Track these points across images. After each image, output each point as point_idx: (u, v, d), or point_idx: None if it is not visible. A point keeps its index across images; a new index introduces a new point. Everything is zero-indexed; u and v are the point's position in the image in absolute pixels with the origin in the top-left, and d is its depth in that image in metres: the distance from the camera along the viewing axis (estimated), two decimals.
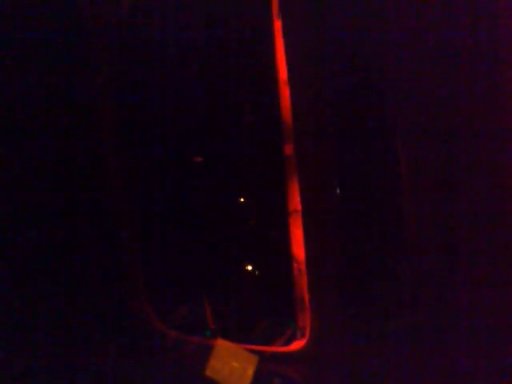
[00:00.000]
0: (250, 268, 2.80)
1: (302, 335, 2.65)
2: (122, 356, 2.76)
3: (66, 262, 2.75)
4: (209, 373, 2.78)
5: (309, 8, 2.45)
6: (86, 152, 2.70)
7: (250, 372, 2.78)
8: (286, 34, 2.46)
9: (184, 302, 2.91)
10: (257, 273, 2.77)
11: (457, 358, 2.41)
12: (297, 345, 2.66)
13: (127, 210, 2.81)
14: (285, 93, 2.51)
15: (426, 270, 2.51)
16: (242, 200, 2.76)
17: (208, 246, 2.82)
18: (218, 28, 2.57)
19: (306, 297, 2.61)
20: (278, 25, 2.48)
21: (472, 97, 2.33)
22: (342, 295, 2.60)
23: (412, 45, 2.40)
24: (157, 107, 2.70)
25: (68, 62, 2.66)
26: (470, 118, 2.33)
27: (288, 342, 2.70)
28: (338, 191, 2.57)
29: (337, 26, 2.46)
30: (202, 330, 2.87)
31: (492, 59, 2.29)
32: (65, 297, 2.74)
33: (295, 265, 2.64)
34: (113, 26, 2.69)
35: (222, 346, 2.81)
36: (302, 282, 2.62)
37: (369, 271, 2.61)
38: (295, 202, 2.59)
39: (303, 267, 2.62)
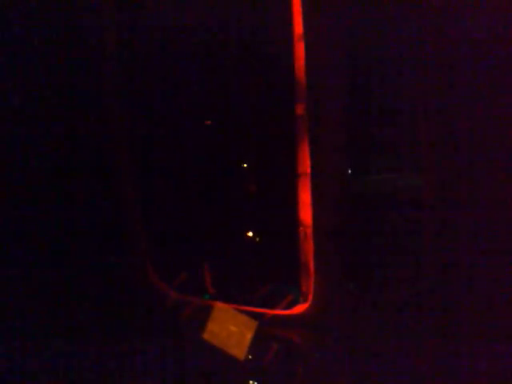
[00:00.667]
0: (251, 233, 2.73)
1: (305, 300, 2.60)
2: (123, 314, 2.73)
3: (71, 225, 2.68)
4: (206, 336, 2.74)
5: None
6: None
7: (249, 336, 2.73)
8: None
9: (185, 266, 2.86)
10: (257, 239, 2.70)
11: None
12: (299, 309, 2.61)
13: (130, 173, 2.72)
14: (299, 50, 2.40)
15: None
16: (245, 165, 2.67)
17: (211, 210, 2.75)
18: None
19: (311, 261, 2.56)
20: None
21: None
22: (348, 262, 2.55)
23: None
24: (168, 66, 2.58)
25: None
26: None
27: (289, 307, 2.66)
28: (349, 155, 2.49)
29: None
30: (201, 294, 2.82)
31: None
32: (68, 259, 2.68)
33: (302, 228, 2.57)
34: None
35: (221, 309, 2.76)
36: (308, 247, 2.56)
37: (377, 240, 2.56)
38: (305, 164, 2.50)
39: (309, 231, 2.55)
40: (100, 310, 2.75)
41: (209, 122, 2.67)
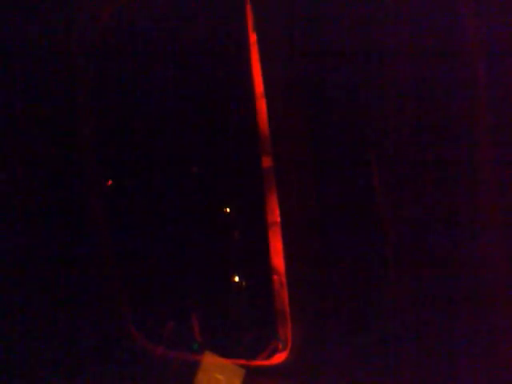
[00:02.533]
0: (234, 280, 2.81)
1: (284, 348, 2.65)
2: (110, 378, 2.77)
3: (46, 283, 2.76)
4: None
5: (284, 21, 2.48)
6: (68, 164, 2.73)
7: None
8: (261, 47, 2.48)
9: (169, 317, 2.92)
10: (243, 284, 2.77)
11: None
12: (279, 358, 2.65)
13: (108, 228, 2.82)
14: (261, 106, 2.54)
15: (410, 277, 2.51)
16: (225, 213, 2.77)
17: (191, 261, 2.83)
18: (192, 43, 2.60)
19: (287, 309, 2.62)
20: (253, 38, 2.51)
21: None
22: (324, 307, 2.60)
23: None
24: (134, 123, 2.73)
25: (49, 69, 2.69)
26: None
27: (271, 355, 2.70)
28: (317, 202, 2.58)
29: (313, 39, 2.49)
30: (188, 344, 2.88)
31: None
32: (44, 320, 2.75)
33: (276, 277, 2.64)
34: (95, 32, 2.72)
35: (209, 359, 2.81)
36: (283, 295, 2.63)
37: (350, 281, 2.60)
38: (275, 213, 2.60)
39: (284, 279, 2.62)
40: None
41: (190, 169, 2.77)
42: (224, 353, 2.77)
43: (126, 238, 2.88)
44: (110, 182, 2.78)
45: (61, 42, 2.72)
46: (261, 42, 2.48)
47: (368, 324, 2.58)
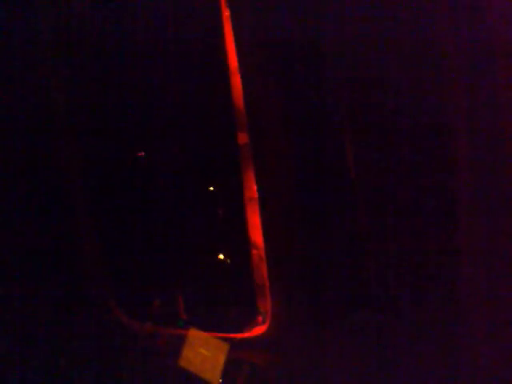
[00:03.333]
0: (216, 257, 2.83)
1: (264, 321, 2.69)
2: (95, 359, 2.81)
3: (29, 262, 2.78)
4: (183, 363, 2.83)
5: None
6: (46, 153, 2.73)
7: (221, 360, 2.81)
8: (234, 23, 2.48)
9: (155, 295, 2.95)
10: (224, 261, 2.80)
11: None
12: (258, 331, 2.69)
13: (89, 206, 2.84)
14: (236, 81, 2.54)
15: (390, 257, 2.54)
16: (204, 190, 2.78)
17: (173, 238, 2.85)
18: (166, 19, 2.59)
19: (266, 283, 2.65)
20: (226, 14, 2.51)
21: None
22: (301, 281, 2.64)
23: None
24: (106, 102, 2.73)
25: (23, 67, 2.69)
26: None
27: (252, 328, 2.74)
28: (294, 177, 2.59)
29: (286, 13, 2.48)
30: (174, 320, 2.91)
31: None
32: (28, 300, 2.77)
33: (255, 251, 2.67)
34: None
35: (194, 335, 2.85)
36: (262, 269, 2.66)
37: (327, 254, 2.64)
38: (252, 189, 2.62)
39: (263, 254, 2.65)
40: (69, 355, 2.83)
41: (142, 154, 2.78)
42: (208, 327, 2.82)
43: (109, 217, 2.89)
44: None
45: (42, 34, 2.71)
46: (234, 17, 2.47)
47: (344, 298, 2.62)
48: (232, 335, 2.76)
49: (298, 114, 2.56)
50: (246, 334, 2.73)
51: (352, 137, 2.45)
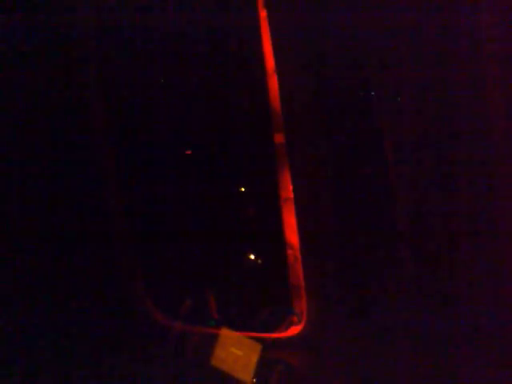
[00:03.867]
0: (249, 257, 2.84)
1: (300, 321, 2.69)
2: (128, 355, 2.83)
3: (66, 261, 2.80)
4: (215, 362, 2.83)
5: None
6: (82, 153, 2.76)
7: (254, 360, 2.81)
8: (272, 24, 2.49)
9: (187, 294, 2.96)
10: (258, 261, 2.81)
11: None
12: (294, 331, 2.70)
13: (125, 207, 2.86)
14: (273, 82, 2.55)
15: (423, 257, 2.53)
16: (239, 190, 2.79)
17: (206, 238, 2.86)
18: (204, 20, 2.60)
19: (302, 283, 2.65)
20: (263, 14, 2.52)
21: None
22: (338, 281, 2.63)
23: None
24: (147, 102, 2.75)
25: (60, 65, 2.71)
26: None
27: (287, 329, 2.74)
28: (330, 178, 2.60)
29: (324, 16, 2.48)
30: (206, 320, 2.92)
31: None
32: (66, 297, 2.80)
33: (290, 251, 2.67)
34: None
35: (226, 335, 2.85)
36: (298, 269, 2.66)
37: (364, 256, 2.64)
38: (287, 189, 2.62)
39: (298, 254, 2.65)
40: (100, 345, 2.85)
41: (189, 152, 2.80)
42: (240, 327, 2.82)
43: (144, 216, 2.92)
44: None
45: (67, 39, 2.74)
46: (271, 17, 2.48)
47: (380, 299, 2.61)
48: (266, 335, 2.77)
49: (334, 114, 2.57)
50: (281, 334, 2.74)
51: (390, 137, 2.45)
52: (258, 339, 2.77)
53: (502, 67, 2.28)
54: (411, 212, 2.48)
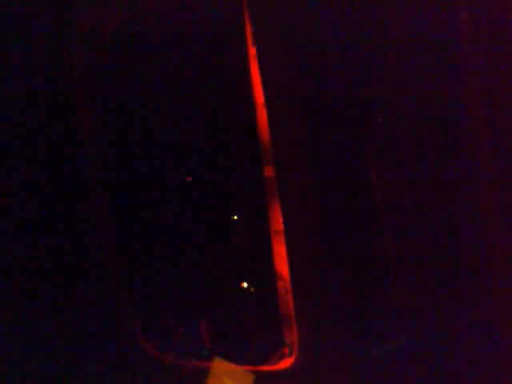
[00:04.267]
0: (241, 287, 2.85)
1: (291, 353, 2.69)
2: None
3: (53, 291, 2.79)
4: None
5: (283, 34, 2.53)
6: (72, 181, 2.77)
7: None
8: (261, 60, 2.54)
9: (178, 325, 2.96)
10: (249, 291, 2.81)
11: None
12: (286, 363, 2.70)
13: (113, 233, 2.86)
14: (262, 115, 2.59)
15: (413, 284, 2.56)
16: (230, 221, 2.81)
17: (198, 268, 2.87)
18: (193, 57, 2.65)
19: (293, 314, 2.67)
20: (252, 51, 2.57)
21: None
22: (328, 313, 2.65)
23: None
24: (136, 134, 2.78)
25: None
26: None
27: (279, 361, 2.75)
28: (319, 209, 2.63)
29: (311, 52, 2.54)
30: (199, 350, 2.92)
31: None
32: (52, 330, 2.78)
33: (281, 283, 2.69)
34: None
35: (219, 365, 2.86)
36: (288, 300, 2.67)
37: (354, 286, 2.66)
38: (278, 221, 2.65)
39: (288, 285, 2.67)
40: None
41: (188, 179, 2.81)
42: (233, 358, 2.83)
43: (133, 245, 2.92)
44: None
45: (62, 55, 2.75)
46: (260, 54, 2.53)
47: (372, 327, 2.63)
48: (258, 367, 2.77)
49: (324, 148, 2.61)
50: (272, 366, 2.74)
51: (377, 167, 2.50)
52: (250, 370, 2.79)
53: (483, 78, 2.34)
54: (401, 239, 2.52)
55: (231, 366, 2.81)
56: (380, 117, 2.50)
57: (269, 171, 2.62)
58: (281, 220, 2.63)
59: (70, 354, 2.78)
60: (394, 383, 2.56)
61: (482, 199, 2.34)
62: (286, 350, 2.71)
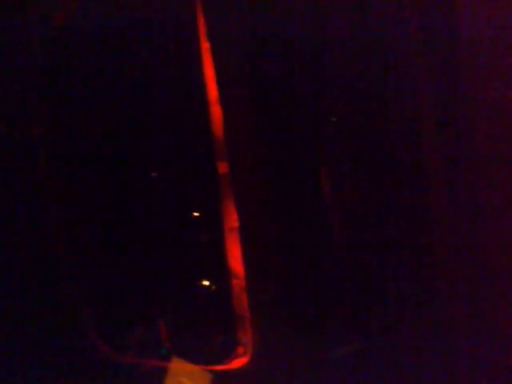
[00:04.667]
0: (195, 287, 2.81)
1: (246, 352, 2.66)
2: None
3: (6, 290, 2.75)
4: None
5: (237, 28, 2.50)
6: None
7: None
8: (214, 55, 2.50)
9: (135, 325, 2.92)
10: (204, 290, 2.78)
11: None
12: (240, 362, 2.67)
13: (68, 233, 2.82)
14: (216, 112, 2.55)
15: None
16: (188, 219, 2.76)
17: (153, 267, 2.83)
18: (144, 51, 2.60)
19: (248, 314, 2.63)
20: (206, 45, 2.53)
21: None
22: (282, 311, 2.62)
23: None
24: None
25: None
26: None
27: (233, 360, 2.71)
28: (274, 206, 2.60)
29: (265, 46, 2.51)
30: (157, 349, 2.88)
31: None
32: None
33: (236, 281, 2.65)
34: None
35: (176, 366, 2.83)
36: (243, 299, 2.64)
37: (309, 285, 2.63)
38: (232, 219, 2.61)
39: (243, 284, 2.64)
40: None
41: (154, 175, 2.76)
42: (190, 358, 2.79)
43: (87, 244, 2.88)
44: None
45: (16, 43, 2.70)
46: (214, 49, 2.49)
47: (328, 327, 2.61)
48: (213, 367, 2.73)
49: (279, 143, 2.57)
50: (227, 366, 2.71)
51: (331, 165, 2.47)
52: (208, 370, 2.76)
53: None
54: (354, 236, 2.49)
55: (189, 366, 2.79)
56: (334, 116, 2.47)
57: (223, 168, 2.58)
58: (235, 217, 2.60)
59: (21, 355, 2.75)
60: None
61: (431, 197, 2.33)
62: (241, 350, 2.68)
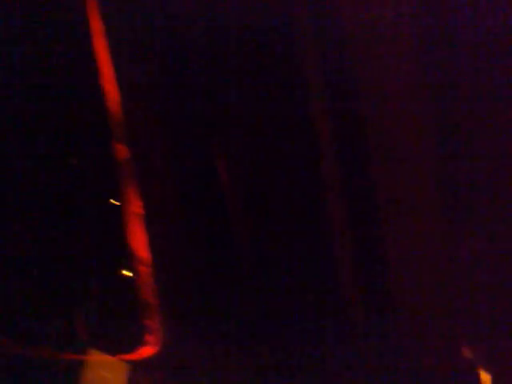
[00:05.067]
0: (103, 274, 2.74)
1: (154, 341, 2.60)
2: None
3: None
4: None
5: (130, 6, 2.41)
6: None
7: (123, 381, 2.77)
8: (107, 34, 2.41)
9: (50, 318, 2.85)
10: (110, 280, 2.70)
11: None
12: (149, 351, 2.60)
13: None
14: (112, 93, 2.46)
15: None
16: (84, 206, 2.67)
17: (62, 258, 2.76)
18: (39, 43, 2.50)
19: (155, 301, 2.56)
20: (98, 25, 2.43)
21: None
22: (191, 297, 2.56)
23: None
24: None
25: None
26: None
27: (142, 349, 2.65)
28: (178, 191, 2.52)
29: (161, 22, 2.42)
30: (74, 341, 2.82)
31: None
32: None
33: (142, 268, 2.58)
34: None
35: (94, 358, 2.78)
36: (151, 286, 2.57)
37: (215, 273, 2.56)
38: (135, 204, 2.53)
39: (150, 271, 2.57)
40: None
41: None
42: (106, 350, 2.73)
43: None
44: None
45: None
46: (106, 27, 2.40)
47: (239, 315, 2.55)
48: (125, 357, 2.67)
49: (180, 127, 2.49)
50: (138, 355, 2.64)
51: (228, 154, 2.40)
52: (125, 361, 2.71)
53: None
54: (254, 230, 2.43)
55: (107, 358, 2.73)
56: (237, 114, 2.39)
57: (122, 151, 2.50)
58: (139, 203, 2.52)
59: None
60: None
61: (335, 207, 2.26)
62: (150, 338, 2.61)
